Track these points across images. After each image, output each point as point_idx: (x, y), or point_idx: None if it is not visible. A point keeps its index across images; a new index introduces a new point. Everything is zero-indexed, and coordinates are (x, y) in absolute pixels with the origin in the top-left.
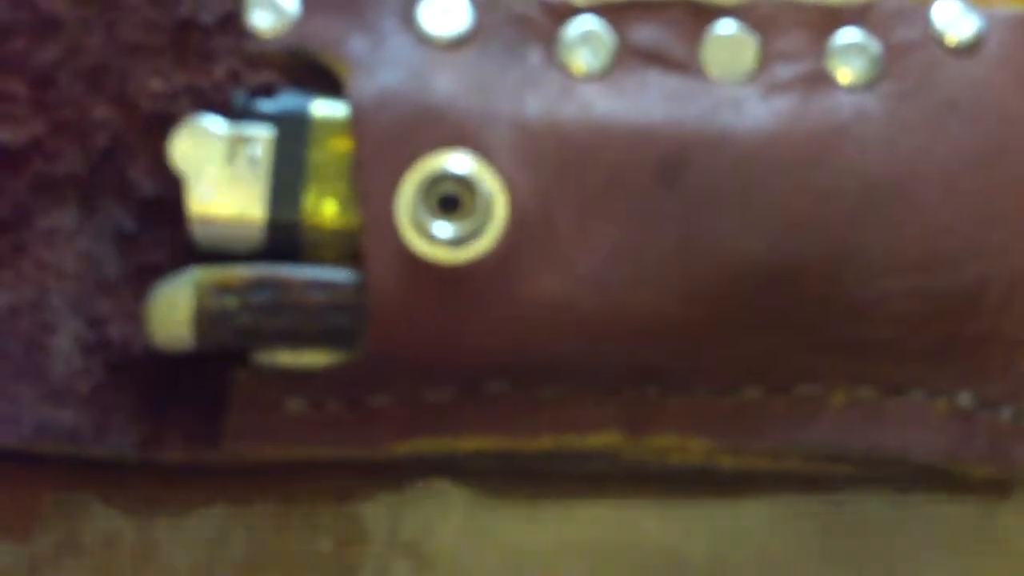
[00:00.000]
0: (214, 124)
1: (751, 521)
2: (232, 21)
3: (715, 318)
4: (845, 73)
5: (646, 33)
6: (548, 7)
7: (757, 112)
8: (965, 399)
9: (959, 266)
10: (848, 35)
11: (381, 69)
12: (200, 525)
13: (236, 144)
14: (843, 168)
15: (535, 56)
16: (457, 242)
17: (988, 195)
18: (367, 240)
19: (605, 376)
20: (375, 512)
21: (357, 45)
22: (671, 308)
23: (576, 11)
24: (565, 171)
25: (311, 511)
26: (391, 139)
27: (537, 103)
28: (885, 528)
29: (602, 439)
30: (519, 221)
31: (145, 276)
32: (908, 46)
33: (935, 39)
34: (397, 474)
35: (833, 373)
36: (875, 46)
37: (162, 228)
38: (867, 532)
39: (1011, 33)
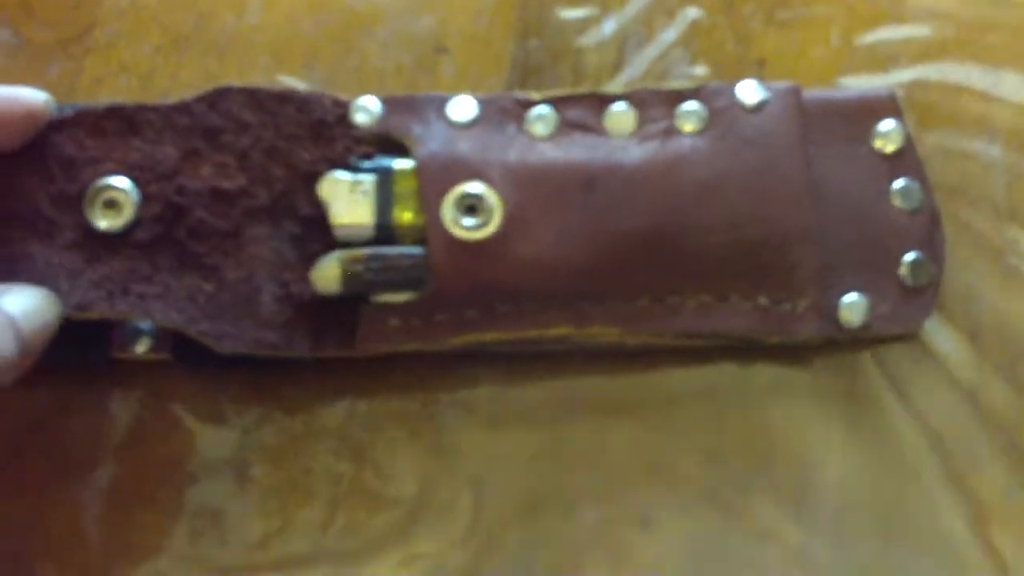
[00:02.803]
0: (342, 175)
1: (659, 375)
2: (344, 119)
3: (618, 264)
4: (687, 126)
5: (574, 112)
6: (519, 101)
7: (636, 152)
8: (763, 300)
9: (750, 228)
10: (688, 105)
11: (429, 141)
12: (341, 398)
13: (354, 185)
14: (685, 179)
15: (512, 128)
16: (476, 228)
17: (763, 189)
18: (428, 231)
19: (560, 298)
20: (441, 385)
21: (416, 129)
22: (593, 260)
23: (535, 102)
24: (532, 189)
25: (405, 386)
26: (437, 177)
27: (515, 153)
28: (731, 377)
29: (561, 331)
30: (509, 217)
31: (309, 258)
32: (722, 109)
33: (738, 104)
34: (452, 363)
35: (686, 289)
36: (703, 110)
37: (317, 232)
38: (721, 378)
39: (783, 98)
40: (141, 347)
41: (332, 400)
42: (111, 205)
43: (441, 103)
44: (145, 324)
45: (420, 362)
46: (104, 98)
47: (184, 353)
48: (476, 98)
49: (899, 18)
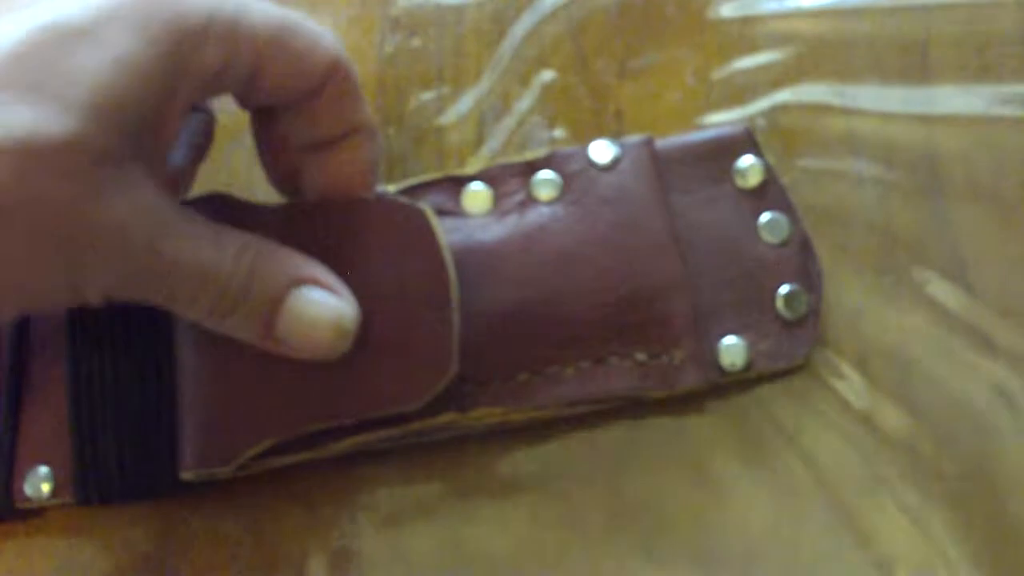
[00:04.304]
0: None
1: (552, 446)
2: None
3: (493, 343)
4: (543, 195)
5: (432, 199)
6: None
7: (496, 229)
8: (640, 356)
9: (618, 287)
10: (542, 174)
11: None
12: (240, 516)
13: None
14: (545, 248)
15: None
16: None
17: (627, 246)
18: None
19: None
20: (338, 491)
21: None
22: (466, 343)
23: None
24: None
25: (301, 496)
26: None
27: None
28: (624, 436)
29: (445, 419)
30: None
31: None
32: (575, 173)
33: (591, 165)
34: (345, 466)
35: (563, 357)
36: (557, 177)
37: None
38: (615, 439)
39: (635, 152)
40: (45, 491)
41: (232, 518)
42: None
43: None
44: (44, 469)
45: (312, 470)
46: None
47: (86, 494)
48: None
49: (751, 47)
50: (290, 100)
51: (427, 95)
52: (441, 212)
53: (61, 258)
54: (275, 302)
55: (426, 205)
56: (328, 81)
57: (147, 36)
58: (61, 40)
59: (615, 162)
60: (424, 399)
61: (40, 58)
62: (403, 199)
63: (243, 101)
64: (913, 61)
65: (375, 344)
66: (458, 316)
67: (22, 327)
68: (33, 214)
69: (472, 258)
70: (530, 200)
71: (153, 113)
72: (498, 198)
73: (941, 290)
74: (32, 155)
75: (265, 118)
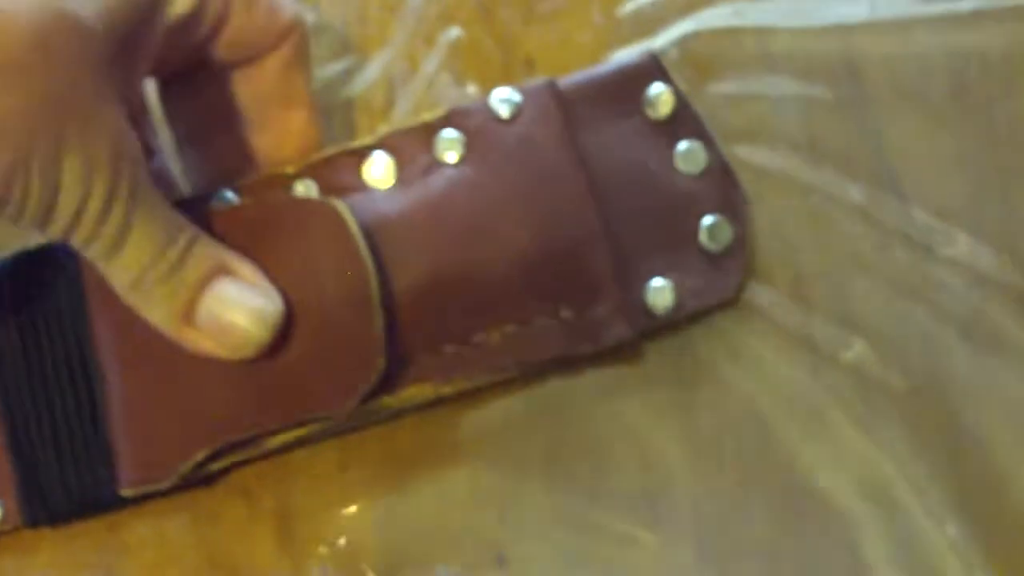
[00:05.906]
0: None
1: (489, 407)
2: None
3: (414, 319)
4: (447, 157)
5: (333, 177)
6: (277, 177)
7: (402, 199)
8: (567, 313)
9: (534, 246)
10: (445, 133)
11: None
12: (184, 519)
13: None
14: (455, 213)
15: None
16: None
17: (538, 201)
18: None
19: None
20: (281, 480)
21: None
22: (392, 319)
23: (292, 177)
24: None
25: (246, 491)
26: None
27: None
28: (561, 388)
29: (377, 403)
30: None
31: None
32: (478, 128)
33: (493, 118)
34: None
35: (488, 324)
36: (460, 135)
37: None
38: (552, 393)
39: (537, 97)
40: None
41: (175, 518)
42: None
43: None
44: None
45: (249, 462)
46: None
47: (34, 518)
48: (231, 187)
49: None
50: (246, 57)
51: (333, 67)
52: (344, 189)
53: (56, 131)
54: (201, 284)
55: (339, 201)
56: (285, 41)
57: None
58: None
59: (518, 111)
60: (355, 399)
61: None
62: (316, 199)
63: (198, 55)
64: None
65: (300, 348)
66: (380, 313)
67: None
68: (45, 77)
69: (382, 234)
70: (435, 164)
71: (134, 37)
72: (402, 166)
73: (874, 202)
74: (55, 25)
75: (201, 84)
